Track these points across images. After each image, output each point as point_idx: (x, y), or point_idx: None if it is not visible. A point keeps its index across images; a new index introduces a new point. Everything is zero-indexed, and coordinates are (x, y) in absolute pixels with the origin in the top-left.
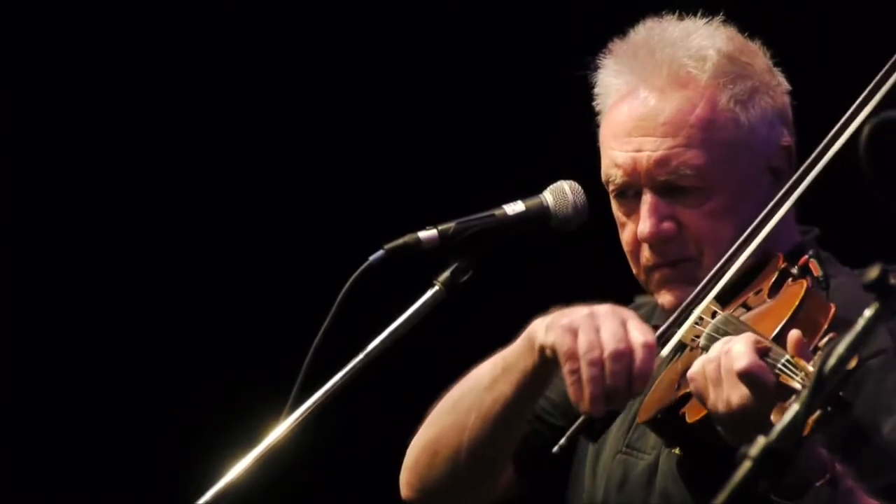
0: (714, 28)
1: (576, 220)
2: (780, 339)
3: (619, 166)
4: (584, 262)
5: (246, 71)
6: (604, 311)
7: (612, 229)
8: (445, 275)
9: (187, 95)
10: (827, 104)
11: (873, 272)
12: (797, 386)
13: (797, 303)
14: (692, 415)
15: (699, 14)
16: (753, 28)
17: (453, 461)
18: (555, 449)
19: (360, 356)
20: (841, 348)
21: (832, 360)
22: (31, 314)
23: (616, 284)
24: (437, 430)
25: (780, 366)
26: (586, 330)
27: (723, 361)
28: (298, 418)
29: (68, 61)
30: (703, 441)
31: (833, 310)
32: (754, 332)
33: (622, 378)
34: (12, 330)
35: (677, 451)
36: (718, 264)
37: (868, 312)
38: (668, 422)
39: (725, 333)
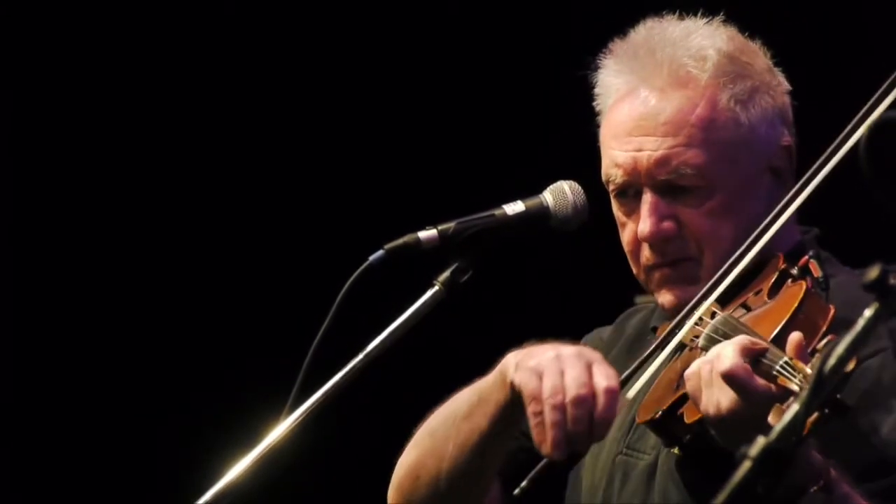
0: (714, 28)
1: (576, 220)
2: (779, 340)
3: (619, 166)
4: (584, 262)
5: (246, 71)
6: (570, 354)
7: (612, 229)
8: (445, 275)
9: (187, 96)
10: (827, 104)
11: (873, 272)
12: (795, 388)
13: (796, 304)
14: (690, 415)
15: (699, 14)
16: (753, 28)
17: (434, 486)
18: (516, 492)
19: (360, 356)
20: (841, 348)
21: (832, 360)
22: (31, 314)
23: (616, 284)
24: (418, 454)
25: (778, 367)
26: (551, 373)
27: (714, 365)
28: (298, 418)
29: (68, 61)
30: (701, 441)
31: (832, 312)
32: (753, 333)
33: (583, 423)
34: (12, 330)
35: (676, 450)
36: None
37: (868, 312)
38: (667, 422)
39: (724, 334)
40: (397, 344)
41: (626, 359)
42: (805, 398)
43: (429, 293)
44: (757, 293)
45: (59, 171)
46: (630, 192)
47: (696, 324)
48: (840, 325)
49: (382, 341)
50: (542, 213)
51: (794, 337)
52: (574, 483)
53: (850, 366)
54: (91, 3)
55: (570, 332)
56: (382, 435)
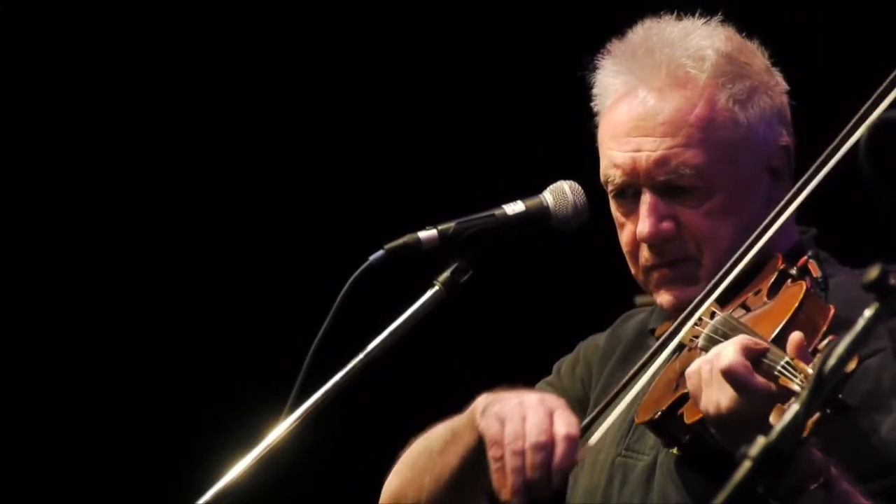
0: (712, 28)
1: (576, 220)
2: (779, 340)
3: (617, 166)
4: (584, 262)
5: (246, 71)
6: (532, 401)
7: (612, 229)
8: (445, 275)
9: (187, 96)
10: (825, 104)
11: (873, 272)
12: (796, 388)
13: (796, 305)
14: (690, 415)
15: (697, 14)
16: (751, 28)
17: None
18: None
19: (360, 356)
20: (841, 348)
21: (832, 360)
22: (31, 315)
23: (616, 284)
24: (399, 482)
25: (779, 368)
26: (512, 419)
27: (714, 364)
28: (298, 418)
29: (68, 61)
30: (701, 441)
31: (832, 312)
32: (753, 333)
33: (542, 469)
34: (12, 330)
35: (675, 451)
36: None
37: (868, 312)
38: (666, 422)
39: (724, 334)
40: (397, 344)
41: (626, 364)
42: (805, 398)
43: (429, 293)
44: (756, 293)
45: (60, 171)
46: (629, 193)
47: (695, 324)
48: (840, 326)
49: (382, 341)
50: (542, 213)
51: (795, 337)
52: (573, 484)
53: (852, 365)
54: (91, 3)
55: (570, 332)
56: (382, 435)
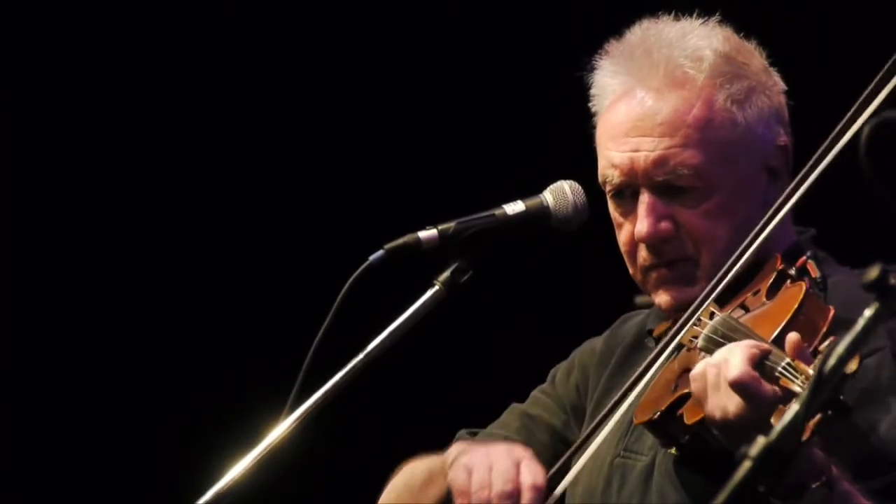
0: (710, 28)
1: (576, 219)
2: (779, 341)
3: (616, 167)
4: (585, 262)
5: (246, 71)
6: (500, 451)
7: (612, 229)
8: (445, 275)
9: (187, 96)
10: (823, 104)
11: (873, 272)
12: (797, 389)
13: (796, 305)
14: (690, 416)
15: (695, 14)
16: (749, 28)
17: None
18: None
19: (360, 356)
20: (841, 348)
21: (832, 360)
22: (31, 315)
23: (616, 284)
24: None
25: (780, 369)
26: (479, 469)
27: (721, 370)
28: (298, 418)
29: (68, 61)
30: (699, 441)
31: (832, 312)
32: (753, 334)
33: None
34: (12, 330)
35: (674, 451)
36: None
37: (868, 312)
38: (665, 422)
39: (724, 335)
40: (397, 344)
41: (625, 366)
42: (806, 398)
43: (429, 293)
44: (755, 294)
45: (60, 171)
46: (627, 193)
47: (694, 324)
48: (840, 326)
49: (382, 341)
50: (543, 212)
51: (792, 337)
52: (572, 486)
53: (852, 366)
54: (91, 3)
55: (571, 332)
56: (382, 435)
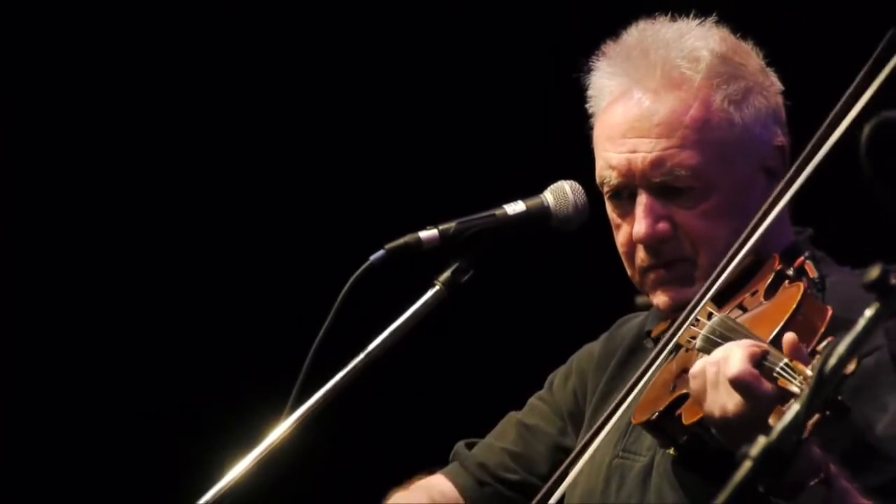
0: (707, 29)
1: (576, 219)
2: (778, 342)
3: (613, 168)
4: (585, 262)
5: (246, 71)
6: None
7: (612, 229)
8: (446, 275)
9: (187, 96)
10: (820, 104)
11: (874, 272)
12: (796, 389)
13: (794, 306)
14: (689, 416)
15: (692, 15)
16: (746, 28)
17: None
18: None
19: (361, 356)
20: (841, 348)
21: (833, 360)
22: (31, 314)
23: (617, 284)
24: None
25: (778, 369)
26: None
27: (721, 367)
28: (299, 418)
29: (68, 61)
30: (698, 441)
31: (830, 313)
32: (751, 334)
33: None
34: (12, 330)
35: (672, 451)
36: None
37: (868, 312)
38: (664, 423)
39: (722, 335)
40: (398, 344)
41: (624, 368)
42: (806, 398)
43: (430, 293)
44: (753, 294)
45: (60, 171)
46: (624, 194)
47: (692, 325)
48: (838, 326)
49: (383, 341)
50: (543, 212)
51: (790, 338)
52: (571, 487)
53: (851, 367)
54: (91, 3)
55: (571, 332)
56: (383, 435)
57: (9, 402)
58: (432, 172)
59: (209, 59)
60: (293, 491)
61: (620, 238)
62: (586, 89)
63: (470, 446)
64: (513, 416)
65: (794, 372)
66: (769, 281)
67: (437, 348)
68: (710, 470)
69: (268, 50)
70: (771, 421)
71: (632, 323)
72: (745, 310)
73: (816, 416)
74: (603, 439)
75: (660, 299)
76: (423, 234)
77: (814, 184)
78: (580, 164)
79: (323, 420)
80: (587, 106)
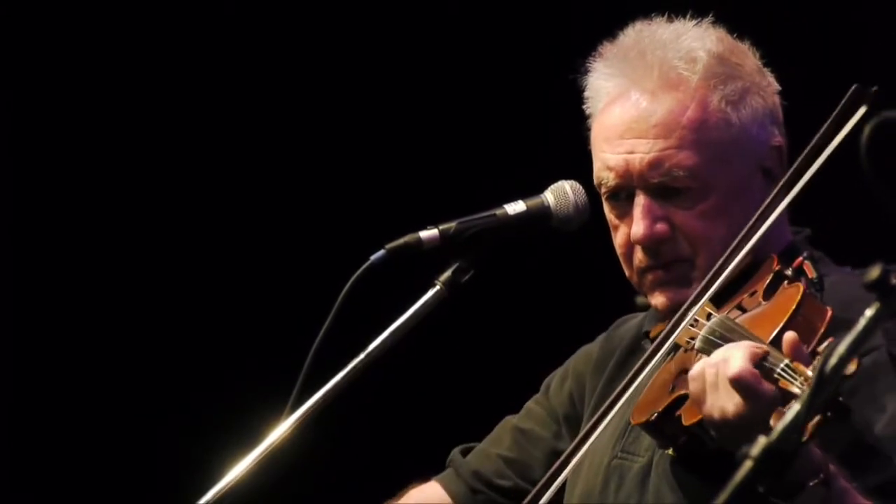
0: (704, 29)
1: (577, 219)
2: (778, 343)
3: (611, 169)
4: (586, 262)
5: (246, 71)
6: None
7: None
8: (447, 275)
9: (188, 96)
10: (818, 104)
11: (874, 272)
12: (796, 390)
13: (794, 306)
14: (688, 417)
15: (689, 16)
16: (743, 29)
17: None
18: None
19: (361, 356)
20: (842, 348)
21: (833, 360)
22: (31, 315)
23: (618, 284)
24: None
25: (779, 370)
26: None
27: (720, 368)
28: (299, 418)
29: (68, 61)
30: (697, 442)
31: (829, 313)
32: (751, 335)
33: None
34: (13, 330)
35: (671, 452)
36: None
37: (869, 312)
38: (662, 423)
39: (721, 336)
40: (398, 344)
41: (623, 369)
42: (807, 398)
43: (430, 293)
44: (752, 294)
45: (60, 171)
46: (622, 195)
47: (691, 325)
48: (837, 326)
49: (383, 341)
50: (544, 212)
51: (791, 338)
52: (570, 488)
53: (852, 367)
54: (91, 3)
55: (572, 331)
56: (383, 435)
57: (9, 402)
58: (432, 172)
59: (209, 59)
60: (293, 491)
61: (618, 239)
62: (584, 90)
63: (466, 452)
64: (509, 420)
65: (795, 373)
66: (768, 281)
67: (438, 348)
68: (708, 470)
69: (268, 50)
70: (772, 422)
71: (630, 324)
72: (743, 310)
73: (818, 417)
74: (602, 440)
75: (658, 300)
76: (424, 233)
77: (813, 184)
78: (580, 164)
79: (323, 420)
80: (584, 107)
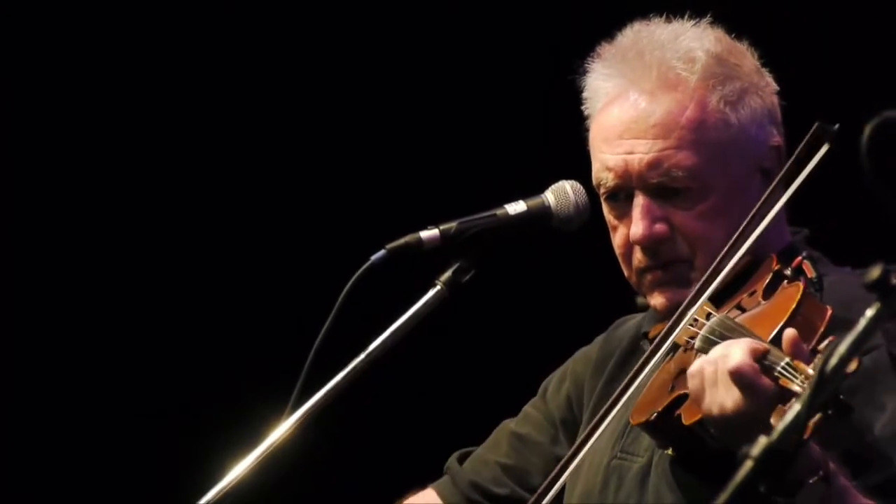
0: (702, 30)
1: (577, 219)
2: (777, 342)
3: (610, 169)
4: (587, 262)
5: (246, 71)
6: None
7: None
8: (447, 275)
9: (188, 96)
10: (816, 104)
11: (875, 272)
12: (797, 389)
13: (793, 306)
14: (688, 416)
15: (687, 16)
16: (741, 29)
17: None
18: None
19: (362, 356)
20: (842, 348)
21: (834, 360)
22: (31, 315)
23: (618, 285)
24: None
25: (779, 369)
26: None
27: (719, 364)
28: (300, 418)
29: (68, 61)
30: (696, 442)
31: (829, 312)
32: (751, 334)
33: None
34: (13, 330)
35: (670, 451)
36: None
37: (870, 312)
38: (662, 424)
39: (721, 335)
40: (399, 344)
41: (622, 370)
42: (807, 397)
43: (430, 293)
44: (751, 294)
45: (60, 171)
46: (621, 196)
47: (690, 325)
48: (837, 326)
49: (384, 341)
50: (544, 212)
51: (791, 337)
52: (570, 488)
53: (852, 366)
54: (91, 3)
55: (573, 331)
56: (384, 435)
57: (9, 402)
58: (433, 172)
59: (209, 59)
60: (294, 491)
61: (617, 240)
62: (582, 91)
63: (464, 457)
64: (507, 425)
65: (796, 371)
66: (767, 281)
67: (438, 348)
68: (708, 470)
69: (268, 50)
70: (772, 421)
71: (629, 324)
72: (743, 310)
73: (818, 416)
74: (602, 440)
75: (657, 300)
76: (424, 233)
77: (813, 184)
78: (581, 164)
79: (323, 420)
80: (583, 108)
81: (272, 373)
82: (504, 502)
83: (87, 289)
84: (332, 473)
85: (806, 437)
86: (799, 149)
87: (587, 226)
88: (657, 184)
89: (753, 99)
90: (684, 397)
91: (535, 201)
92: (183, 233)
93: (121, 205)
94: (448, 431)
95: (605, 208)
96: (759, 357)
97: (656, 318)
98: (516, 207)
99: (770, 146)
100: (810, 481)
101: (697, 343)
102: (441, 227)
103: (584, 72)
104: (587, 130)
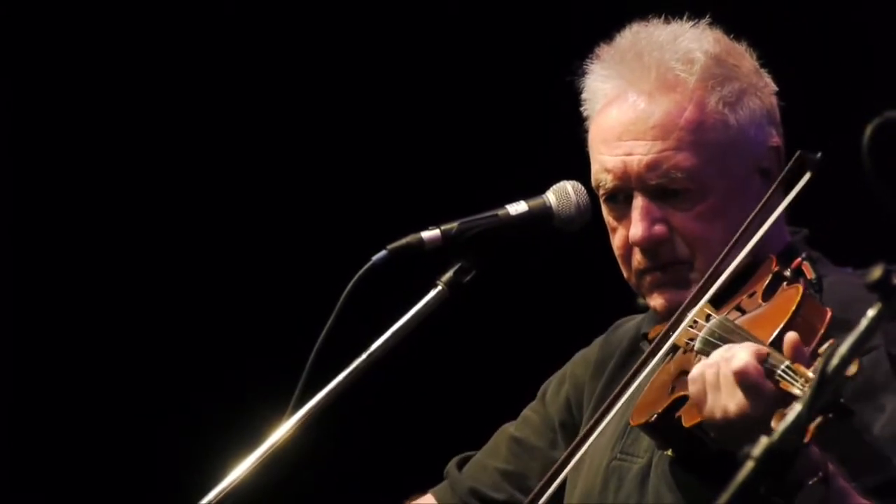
0: (701, 31)
1: (578, 220)
2: (778, 344)
3: (609, 171)
4: (588, 263)
5: (247, 71)
6: None
7: None
8: (448, 275)
9: (188, 96)
10: (815, 104)
11: (876, 273)
12: (797, 392)
13: (794, 308)
14: (688, 418)
15: (686, 17)
16: (740, 30)
17: None
18: None
19: (363, 356)
20: (843, 349)
21: (835, 361)
22: (31, 314)
23: (619, 285)
24: None
25: (780, 372)
26: None
27: (721, 368)
28: (301, 419)
29: (68, 61)
30: (696, 443)
31: (829, 314)
32: (751, 336)
33: None
34: (13, 330)
35: (670, 452)
36: (713, 267)
37: (871, 313)
38: (662, 425)
39: (721, 337)
40: (400, 344)
41: (622, 372)
42: (808, 398)
43: (432, 293)
44: (751, 296)
45: (59, 171)
46: (620, 197)
47: (690, 326)
48: (837, 327)
49: (385, 342)
50: (545, 213)
51: (792, 340)
52: (570, 488)
53: (853, 368)
54: (91, 3)
55: (574, 331)
56: (384, 435)
57: (9, 402)
58: (434, 173)
59: (210, 59)
60: (295, 492)
61: (617, 241)
62: (581, 92)
63: (463, 462)
64: (506, 429)
65: (796, 374)
66: (767, 282)
67: (439, 348)
68: (707, 471)
69: (269, 50)
70: (773, 424)
71: (628, 325)
72: (743, 311)
73: (819, 419)
74: (601, 441)
75: (656, 301)
76: (426, 234)
77: (812, 184)
78: (581, 164)
79: (325, 420)
80: (581, 109)
81: (273, 373)
82: None
83: (87, 289)
84: (334, 474)
85: (807, 440)
86: (780, 177)
87: (587, 227)
88: (656, 185)
89: (752, 100)
90: (684, 399)
91: (536, 202)
92: (184, 233)
93: (121, 205)
94: (448, 431)
95: (605, 209)
96: (760, 360)
97: (656, 320)
98: (518, 208)
99: (769, 147)
100: (810, 482)
101: (697, 345)
102: (442, 228)
103: (583, 73)
104: (586, 132)
